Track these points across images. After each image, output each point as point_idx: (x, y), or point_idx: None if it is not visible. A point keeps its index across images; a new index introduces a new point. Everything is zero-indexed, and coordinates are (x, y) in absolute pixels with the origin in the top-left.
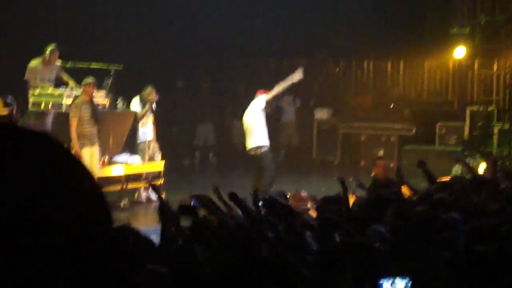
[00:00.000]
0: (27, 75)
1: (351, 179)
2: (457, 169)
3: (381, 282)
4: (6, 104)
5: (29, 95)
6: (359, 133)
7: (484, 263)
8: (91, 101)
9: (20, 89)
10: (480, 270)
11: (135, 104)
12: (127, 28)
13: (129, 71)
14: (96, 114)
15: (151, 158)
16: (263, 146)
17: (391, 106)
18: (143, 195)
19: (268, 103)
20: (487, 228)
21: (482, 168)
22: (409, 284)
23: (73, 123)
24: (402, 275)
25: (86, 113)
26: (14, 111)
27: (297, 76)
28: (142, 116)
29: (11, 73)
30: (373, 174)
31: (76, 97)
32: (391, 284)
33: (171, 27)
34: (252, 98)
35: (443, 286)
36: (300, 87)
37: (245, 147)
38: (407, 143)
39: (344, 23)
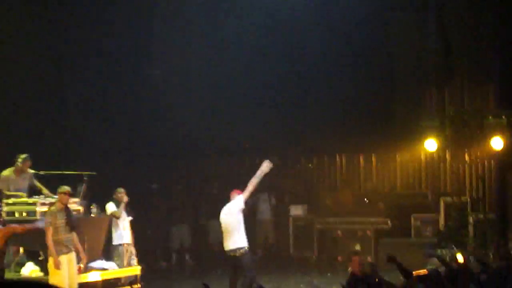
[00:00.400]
0: (0, 185)
1: (328, 275)
2: (433, 262)
3: None
4: None
5: (3, 205)
6: (335, 228)
7: None
8: (66, 209)
9: None
10: None
11: (111, 207)
12: (99, 133)
13: (102, 176)
14: (72, 221)
15: (128, 263)
16: (244, 247)
17: (366, 200)
18: None
19: (245, 202)
20: None
21: (459, 258)
22: None
23: (49, 231)
24: None
25: (61, 220)
26: None
27: (265, 166)
28: (119, 215)
29: None
30: (349, 269)
31: (51, 205)
32: None
33: (144, 128)
34: (226, 197)
35: None
36: (274, 184)
37: (222, 247)
38: (383, 236)
39: (315, 119)
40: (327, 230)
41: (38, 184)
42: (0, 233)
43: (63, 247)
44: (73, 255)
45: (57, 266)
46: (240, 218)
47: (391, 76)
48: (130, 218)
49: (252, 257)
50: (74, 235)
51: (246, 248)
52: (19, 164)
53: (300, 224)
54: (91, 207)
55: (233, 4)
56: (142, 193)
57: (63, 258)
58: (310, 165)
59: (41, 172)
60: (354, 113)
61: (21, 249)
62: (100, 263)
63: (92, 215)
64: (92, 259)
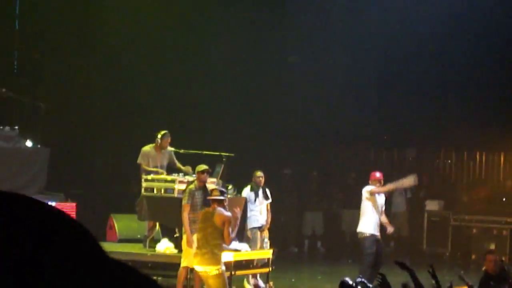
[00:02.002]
0: (140, 159)
1: (462, 272)
2: None
3: None
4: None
5: (142, 180)
6: (471, 226)
7: None
8: (204, 188)
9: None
10: None
11: (246, 191)
12: (237, 116)
13: (240, 158)
14: (209, 201)
15: (261, 246)
16: (364, 232)
17: (504, 200)
18: (251, 282)
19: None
20: None
21: None
22: None
23: (186, 209)
24: None
25: (199, 199)
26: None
27: (408, 181)
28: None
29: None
30: (484, 268)
31: (189, 183)
32: None
33: (281, 115)
34: (361, 188)
35: None
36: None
37: (354, 236)
38: None
39: (456, 115)
40: (462, 227)
41: (178, 163)
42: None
43: (197, 226)
44: None
45: (190, 244)
46: (367, 204)
47: None
48: (268, 201)
49: (372, 245)
50: None
51: (367, 234)
52: (158, 140)
53: (435, 220)
54: (228, 187)
55: None
56: (277, 177)
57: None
58: (449, 160)
59: (181, 151)
60: (496, 111)
61: (157, 225)
62: (233, 244)
63: (228, 195)
64: None
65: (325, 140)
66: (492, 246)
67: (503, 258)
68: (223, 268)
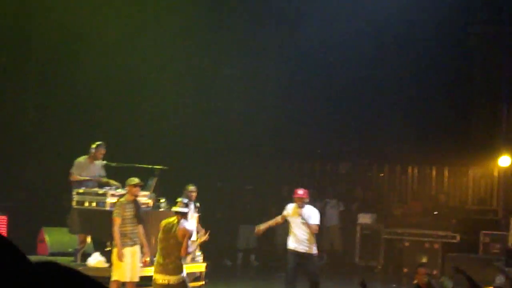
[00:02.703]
0: (73, 169)
1: (393, 286)
2: (500, 279)
3: None
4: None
5: (74, 193)
6: (403, 239)
7: None
8: (134, 201)
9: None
10: None
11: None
12: (171, 129)
13: (172, 172)
14: (139, 214)
15: (192, 259)
16: (288, 249)
17: (435, 213)
18: None
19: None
20: None
21: None
22: None
23: (116, 222)
24: None
25: (129, 212)
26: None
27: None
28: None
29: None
30: (415, 281)
31: (120, 196)
32: None
33: (215, 128)
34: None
35: None
36: (343, 191)
37: (286, 249)
38: (450, 250)
39: (389, 129)
40: (394, 241)
41: (104, 179)
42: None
43: (128, 239)
44: (137, 248)
45: (120, 258)
46: (290, 220)
47: (468, 90)
48: (197, 215)
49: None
50: (140, 228)
51: (289, 250)
52: (92, 151)
53: (367, 233)
54: (161, 201)
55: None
56: (210, 190)
57: (127, 250)
58: (381, 174)
59: (113, 164)
60: (429, 125)
61: (89, 239)
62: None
63: (161, 209)
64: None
65: (258, 153)
66: (424, 260)
67: (434, 272)
68: (185, 275)
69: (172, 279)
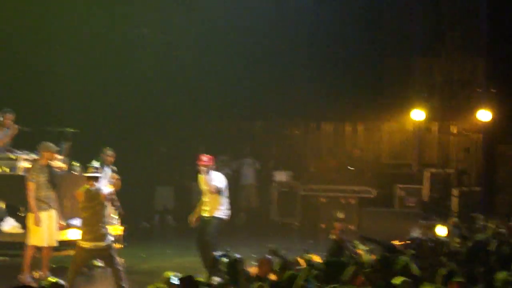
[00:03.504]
0: None
1: (310, 242)
2: (415, 231)
3: None
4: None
5: None
6: (319, 196)
7: None
8: (48, 165)
9: None
10: None
11: None
12: (84, 92)
13: (86, 135)
14: (54, 178)
15: (109, 223)
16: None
17: (351, 169)
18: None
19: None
20: None
21: (440, 230)
22: None
23: (31, 187)
24: None
25: (43, 177)
26: None
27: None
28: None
29: None
30: (332, 237)
31: (34, 161)
32: None
33: (130, 90)
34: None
35: None
36: (259, 150)
37: None
38: (366, 205)
39: (303, 86)
40: (310, 197)
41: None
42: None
43: (43, 204)
44: (53, 212)
45: (37, 223)
46: None
47: (380, 45)
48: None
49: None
50: (54, 193)
51: None
52: (0, 118)
53: (284, 190)
54: (74, 164)
55: None
56: (125, 153)
57: (43, 215)
58: (296, 131)
59: (25, 128)
60: (342, 81)
61: (3, 204)
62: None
63: (74, 172)
64: (72, 216)
65: (174, 114)
66: (341, 215)
67: (351, 227)
68: (112, 239)
69: (101, 244)
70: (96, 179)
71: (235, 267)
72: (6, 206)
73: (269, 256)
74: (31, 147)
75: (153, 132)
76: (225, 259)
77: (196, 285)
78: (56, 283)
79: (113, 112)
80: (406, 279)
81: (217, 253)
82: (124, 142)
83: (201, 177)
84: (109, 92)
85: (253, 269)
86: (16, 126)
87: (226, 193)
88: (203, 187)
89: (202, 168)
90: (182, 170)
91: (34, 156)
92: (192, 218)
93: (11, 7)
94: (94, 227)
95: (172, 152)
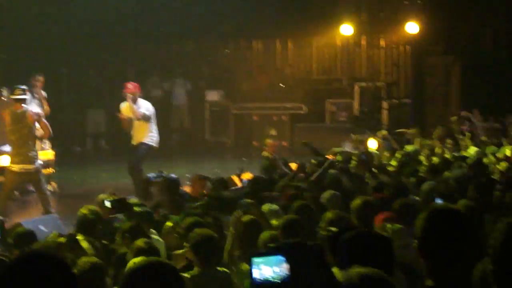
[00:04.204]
0: None
1: (243, 159)
2: (347, 145)
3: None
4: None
5: None
6: (251, 114)
7: None
8: None
9: None
10: None
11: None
12: (10, 17)
13: (13, 61)
14: None
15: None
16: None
17: (282, 86)
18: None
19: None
20: None
21: (371, 143)
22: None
23: None
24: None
25: None
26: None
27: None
28: None
29: None
30: (265, 154)
31: None
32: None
33: (59, 14)
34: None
35: None
36: (190, 70)
37: None
38: (298, 121)
39: (230, 4)
40: (243, 116)
41: None
42: None
43: None
44: None
45: None
46: None
47: None
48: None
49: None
50: None
51: None
52: None
53: (216, 110)
54: (2, 90)
55: None
56: (53, 77)
57: None
58: (226, 50)
59: None
60: None
61: None
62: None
63: (3, 98)
64: (2, 143)
65: (103, 36)
66: (273, 132)
67: (284, 143)
68: (41, 163)
69: (30, 167)
70: (23, 101)
71: (170, 187)
72: None
73: (202, 175)
74: None
75: (83, 55)
76: (159, 180)
77: (129, 207)
78: None
79: (43, 36)
80: (336, 192)
81: (151, 175)
82: (54, 66)
83: (127, 105)
84: (38, 14)
85: (187, 188)
86: None
87: (155, 120)
88: (130, 115)
89: (128, 95)
90: (112, 93)
91: None
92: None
93: None
94: (21, 149)
95: (103, 74)
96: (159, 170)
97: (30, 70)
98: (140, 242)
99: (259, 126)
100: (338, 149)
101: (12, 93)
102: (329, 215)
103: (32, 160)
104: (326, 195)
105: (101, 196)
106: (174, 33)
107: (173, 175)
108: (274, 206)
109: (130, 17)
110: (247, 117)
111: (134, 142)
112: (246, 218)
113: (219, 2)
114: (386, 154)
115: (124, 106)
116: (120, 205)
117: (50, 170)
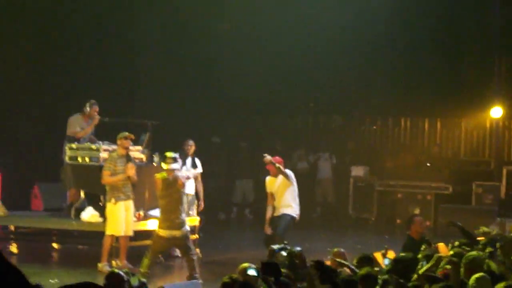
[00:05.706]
0: (70, 129)
1: (386, 237)
2: (493, 229)
3: None
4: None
5: (66, 149)
6: (395, 191)
7: None
8: (126, 155)
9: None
10: None
11: None
12: (165, 84)
13: (166, 127)
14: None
15: (186, 213)
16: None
17: (428, 165)
18: (178, 249)
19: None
20: None
21: None
22: None
23: (105, 175)
24: None
25: (120, 166)
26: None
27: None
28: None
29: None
30: (409, 232)
31: (112, 151)
32: None
33: (209, 84)
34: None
35: None
36: (336, 144)
37: None
38: (443, 201)
39: (381, 81)
40: (387, 193)
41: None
42: None
43: (121, 194)
44: (130, 202)
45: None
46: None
47: (460, 40)
48: (197, 170)
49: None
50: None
51: None
52: (87, 108)
53: (360, 185)
54: (154, 156)
55: None
56: (205, 146)
57: (121, 205)
58: (374, 126)
59: (106, 119)
60: (421, 77)
61: (82, 194)
62: (156, 211)
63: (154, 164)
64: (152, 207)
65: (252, 108)
66: (417, 211)
67: (427, 223)
68: (188, 229)
69: (177, 233)
70: (174, 171)
71: (293, 260)
72: (86, 195)
73: (342, 250)
74: (113, 139)
75: (233, 126)
76: (283, 253)
77: (279, 272)
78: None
79: (194, 105)
80: (485, 275)
81: (275, 247)
82: (204, 135)
83: (271, 179)
84: (190, 85)
85: (328, 262)
86: (98, 116)
87: (297, 191)
88: (272, 190)
89: (272, 171)
90: (260, 165)
91: (114, 146)
92: (268, 228)
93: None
94: (171, 215)
95: (252, 146)
96: (284, 242)
97: (183, 138)
98: None
99: (403, 204)
100: (487, 229)
101: (164, 161)
102: None
103: (180, 225)
104: (476, 276)
105: (244, 264)
106: (323, 107)
107: (298, 248)
108: None
109: (279, 90)
110: (391, 194)
111: (277, 213)
112: None
113: (368, 78)
114: None
115: (268, 179)
116: (268, 270)
117: (194, 236)
